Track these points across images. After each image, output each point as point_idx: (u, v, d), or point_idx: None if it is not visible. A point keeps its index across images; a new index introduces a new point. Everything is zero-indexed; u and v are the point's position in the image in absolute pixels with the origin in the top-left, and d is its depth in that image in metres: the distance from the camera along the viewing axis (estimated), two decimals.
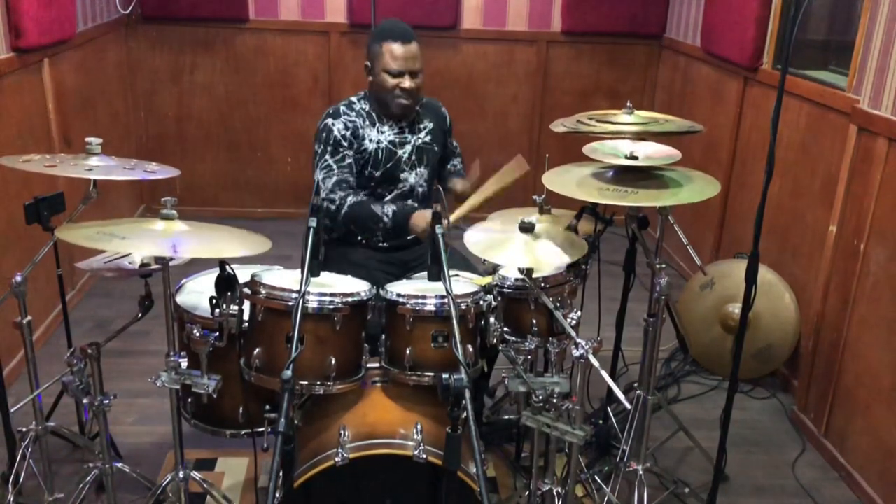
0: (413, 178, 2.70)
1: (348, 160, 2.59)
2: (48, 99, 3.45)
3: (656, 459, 2.75)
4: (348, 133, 2.60)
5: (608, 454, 2.73)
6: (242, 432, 2.19)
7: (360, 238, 2.70)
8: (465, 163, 2.97)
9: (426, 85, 2.67)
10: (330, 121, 2.62)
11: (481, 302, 2.05)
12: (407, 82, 2.57)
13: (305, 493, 1.92)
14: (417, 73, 2.59)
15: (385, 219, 2.54)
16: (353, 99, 2.70)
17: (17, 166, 2.09)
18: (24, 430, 2.31)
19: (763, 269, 2.99)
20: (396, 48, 2.54)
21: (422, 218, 2.49)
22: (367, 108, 2.68)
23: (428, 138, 2.72)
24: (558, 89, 4.90)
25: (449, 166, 2.92)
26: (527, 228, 2.05)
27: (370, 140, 2.63)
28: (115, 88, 4.44)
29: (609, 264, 2.57)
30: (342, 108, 2.66)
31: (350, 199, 2.54)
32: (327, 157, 2.59)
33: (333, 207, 2.53)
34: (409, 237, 2.69)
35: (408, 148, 2.68)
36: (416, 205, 2.68)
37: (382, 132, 2.65)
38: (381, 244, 2.71)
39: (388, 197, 2.68)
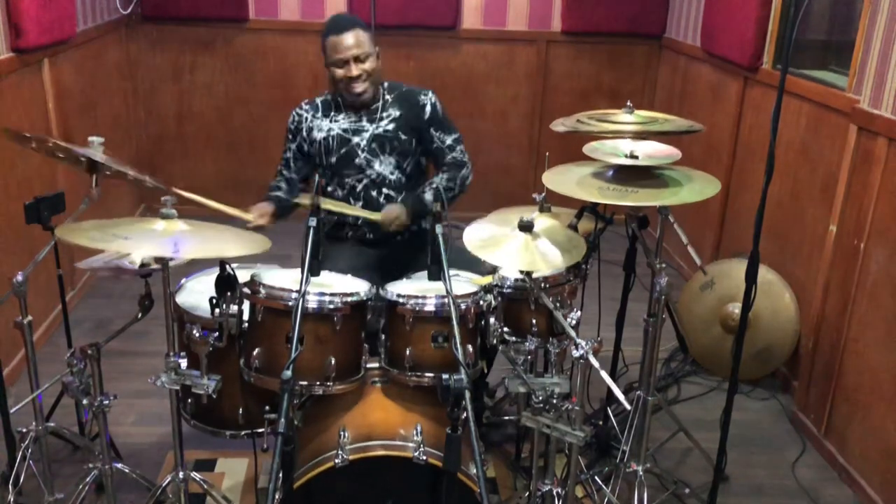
0: (379, 165, 2.69)
1: (289, 154, 2.79)
2: (48, 99, 3.45)
3: (656, 460, 2.74)
4: (293, 126, 2.77)
5: (608, 455, 2.72)
6: (242, 433, 2.19)
7: (347, 232, 2.74)
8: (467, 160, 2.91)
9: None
10: (291, 115, 2.79)
11: (481, 302, 2.05)
12: (353, 70, 2.59)
13: (305, 494, 1.92)
14: (364, 57, 2.59)
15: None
16: (324, 93, 2.79)
17: (26, 147, 2.09)
18: (24, 430, 2.31)
19: (763, 269, 2.99)
20: (336, 40, 2.58)
21: None
22: (330, 98, 2.75)
23: (390, 126, 2.70)
24: (558, 89, 4.90)
25: (448, 158, 2.80)
26: (526, 227, 2.04)
27: (319, 130, 2.71)
28: (115, 88, 4.44)
29: (609, 264, 2.57)
30: (304, 102, 2.78)
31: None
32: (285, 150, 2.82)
33: None
34: (395, 232, 2.68)
35: (365, 136, 2.69)
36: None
37: (336, 121, 2.70)
38: (367, 236, 2.72)
39: (359, 187, 2.70)
